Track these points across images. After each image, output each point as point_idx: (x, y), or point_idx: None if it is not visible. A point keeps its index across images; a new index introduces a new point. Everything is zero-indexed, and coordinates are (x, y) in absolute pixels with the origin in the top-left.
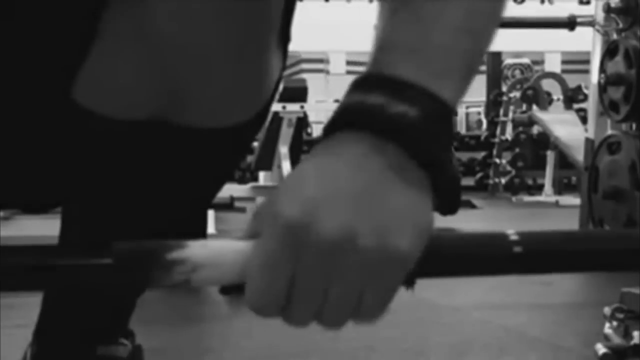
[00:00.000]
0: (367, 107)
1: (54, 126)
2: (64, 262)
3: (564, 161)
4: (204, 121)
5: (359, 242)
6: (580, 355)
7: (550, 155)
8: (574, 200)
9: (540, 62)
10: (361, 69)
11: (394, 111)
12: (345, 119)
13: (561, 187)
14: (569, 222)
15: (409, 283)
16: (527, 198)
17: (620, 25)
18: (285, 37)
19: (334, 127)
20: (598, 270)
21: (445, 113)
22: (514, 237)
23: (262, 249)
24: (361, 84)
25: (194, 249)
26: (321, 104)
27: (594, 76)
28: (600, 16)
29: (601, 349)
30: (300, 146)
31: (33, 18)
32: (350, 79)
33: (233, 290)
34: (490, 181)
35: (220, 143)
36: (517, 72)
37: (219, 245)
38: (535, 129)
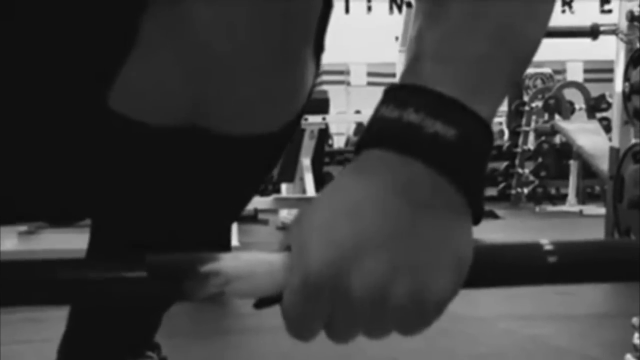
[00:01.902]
0: (401, 126)
1: (89, 134)
2: (97, 275)
3: (587, 171)
4: (236, 128)
5: (392, 300)
6: None
7: (574, 165)
8: (598, 210)
9: (562, 72)
10: (382, 80)
11: (431, 131)
12: (378, 137)
13: (585, 197)
14: (594, 232)
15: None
16: (551, 208)
17: None
18: (319, 46)
19: (367, 143)
20: (634, 280)
21: (484, 132)
22: (548, 247)
23: (293, 292)
24: (397, 96)
25: (228, 261)
26: (342, 116)
27: (618, 85)
28: (623, 24)
29: (630, 358)
30: (322, 158)
31: (72, 25)
32: (371, 90)
33: (266, 305)
34: (513, 191)
35: (252, 151)
36: (539, 82)
37: (252, 258)
38: (558, 139)
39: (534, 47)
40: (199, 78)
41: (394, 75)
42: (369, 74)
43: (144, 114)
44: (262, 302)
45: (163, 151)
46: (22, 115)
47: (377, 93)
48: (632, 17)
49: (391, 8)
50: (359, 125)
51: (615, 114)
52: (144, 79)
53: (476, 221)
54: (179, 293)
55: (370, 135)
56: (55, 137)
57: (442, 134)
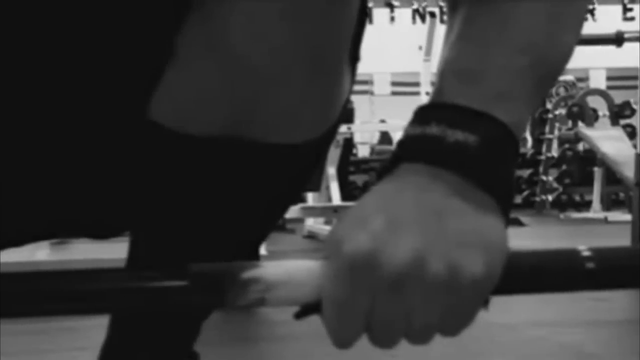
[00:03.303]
0: (425, 140)
1: (130, 146)
2: (140, 285)
3: (611, 177)
4: (275, 137)
5: (428, 269)
6: None
7: (598, 172)
8: (623, 216)
9: (585, 79)
10: (405, 89)
11: (452, 140)
12: (406, 152)
13: (609, 204)
14: (620, 238)
15: (484, 302)
16: (575, 215)
17: None
18: (355, 55)
19: (396, 160)
20: None
21: (506, 136)
22: (586, 253)
23: (331, 287)
24: (420, 115)
25: (268, 269)
26: (366, 125)
27: None
28: None
29: None
30: (347, 167)
31: (112, 39)
32: (395, 99)
33: (306, 314)
34: (537, 198)
35: (292, 159)
36: (562, 90)
37: (291, 265)
38: (582, 146)
39: (568, 54)
40: (238, 88)
41: (417, 84)
42: (393, 84)
43: (184, 124)
44: (302, 312)
45: (203, 161)
46: (66, 131)
47: (401, 102)
48: None
49: (414, 18)
50: (384, 134)
51: None
52: (183, 90)
53: (505, 212)
54: (220, 301)
55: (399, 153)
56: (96, 150)
57: (463, 141)
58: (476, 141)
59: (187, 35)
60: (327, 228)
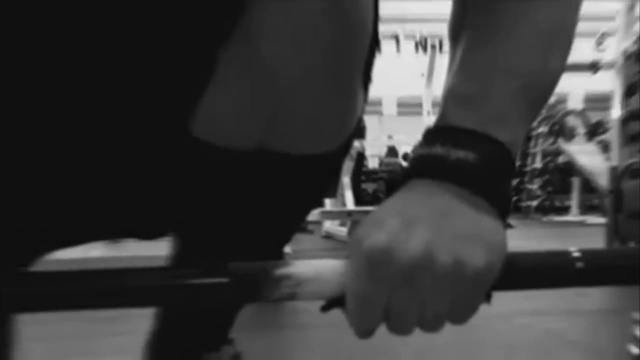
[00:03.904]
0: (430, 159)
1: (173, 158)
2: (186, 281)
3: (587, 186)
4: (301, 149)
5: (437, 262)
6: (616, 356)
7: (576, 181)
8: (598, 219)
9: (564, 101)
10: (410, 110)
11: (454, 158)
12: (415, 169)
13: (586, 209)
14: (595, 238)
15: (486, 297)
16: (556, 218)
17: (638, 69)
18: (367, 78)
19: (407, 175)
20: None
21: (502, 153)
22: (576, 254)
23: (352, 276)
24: (427, 137)
25: (298, 267)
26: (376, 141)
27: (617, 112)
28: (620, 60)
29: (634, 349)
30: (360, 176)
31: (157, 61)
32: (401, 119)
33: (330, 308)
34: (523, 204)
35: (311, 169)
36: (544, 110)
37: (319, 264)
38: (562, 159)
39: (555, 79)
40: (269, 105)
41: (420, 105)
42: (399, 105)
43: (221, 138)
44: (327, 306)
45: (238, 171)
46: (120, 145)
47: (406, 122)
48: (627, 55)
49: (417, 49)
50: (390, 148)
51: (614, 137)
52: (221, 108)
53: (503, 217)
54: (256, 296)
55: (409, 170)
56: (145, 162)
57: (464, 159)
58: (475, 158)
59: (224, 60)
60: (342, 229)
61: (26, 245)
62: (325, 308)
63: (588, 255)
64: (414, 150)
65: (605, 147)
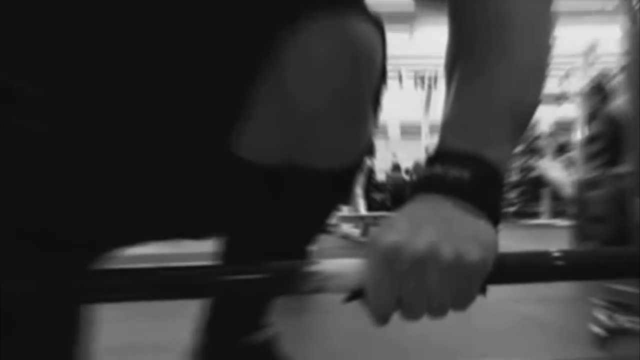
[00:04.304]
0: (432, 177)
1: (218, 173)
2: (236, 277)
3: (555, 195)
4: (321, 164)
5: (441, 256)
6: (580, 334)
7: (546, 191)
8: (564, 222)
9: (535, 125)
10: (411, 133)
11: (451, 176)
12: (420, 186)
13: (554, 214)
14: (562, 238)
15: (482, 289)
16: (530, 221)
17: (596, 101)
18: (376, 106)
19: (415, 191)
20: (619, 277)
21: (492, 170)
22: (557, 254)
23: (370, 269)
24: (430, 159)
25: (325, 265)
26: (383, 159)
27: (579, 135)
28: (581, 94)
29: (595, 328)
30: (370, 188)
31: (207, 95)
32: (403, 141)
33: (351, 300)
34: (502, 210)
35: (330, 181)
36: None
37: (342, 262)
38: (535, 173)
39: (533, 109)
40: (297, 129)
41: (419, 130)
42: (402, 129)
43: (257, 156)
44: (349, 298)
45: (270, 183)
46: (176, 163)
47: (407, 143)
48: (586, 90)
49: (415, 84)
50: (395, 165)
51: (578, 155)
52: (257, 132)
53: (495, 223)
54: (291, 289)
55: (416, 187)
56: (197, 176)
57: (460, 177)
58: (469, 175)
59: (260, 92)
60: (356, 231)
61: (103, 245)
62: (347, 300)
63: (566, 254)
64: (421, 171)
65: (569, 164)
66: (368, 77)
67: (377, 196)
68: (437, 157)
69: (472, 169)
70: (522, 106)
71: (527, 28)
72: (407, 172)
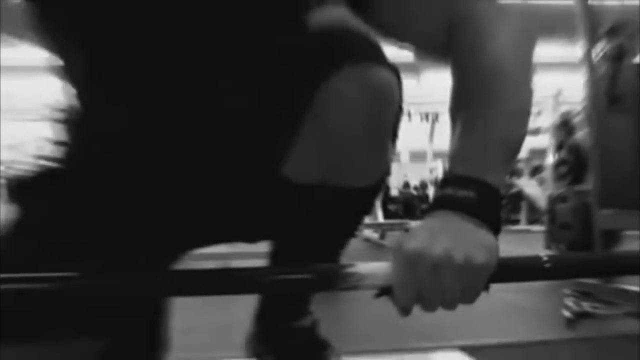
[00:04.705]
0: (444, 197)
1: (269, 190)
2: (284, 277)
3: (532, 207)
4: (351, 183)
5: (453, 260)
6: (552, 317)
7: (524, 204)
8: (539, 228)
9: None
10: (418, 158)
11: (460, 196)
12: (435, 205)
13: (530, 221)
14: (538, 242)
15: (486, 286)
16: (511, 227)
17: (563, 133)
18: (395, 135)
19: (430, 209)
20: (594, 277)
21: (493, 191)
22: (545, 258)
23: (396, 271)
24: (442, 183)
25: (359, 267)
26: (396, 179)
27: (550, 160)
28: (551, 128)
29: (565, 312)
30: (386, 200)
31: (267, 127)
32: (412, 165)
33: (381, 295)
34: None
35: (358, 196)
36: None
37: (374, 265)
38: (514, 189)
39: (521, 142)
40: (331, 156)
41: (425, 155)
42: (411, 156)
43: (300, 177)
44: (379, 294)
45: (309, 198)
46: (241, 185)
47: (415, 166)
48: (554, 125)
49: (421, 119)
50: (405, 183)
51: (549, 175)
52: (300, 158)
53: (496, 233)
54: (332, 286)
55: (432, 205)
56: (254, 194)
57: (466, 196)
58: (474, 196)
59: (304, 127)
60: (375, 235)
61: (183, 247)
62: (377, 295)
63: (552, 258)
64: (435, 192)
65: (542, 182)
66: (388, 113)
67: (392, 207)
68: (447, 181)
69: (476, 190)
70: (512, 141)
71: (514, 79)
72: (415, 188)
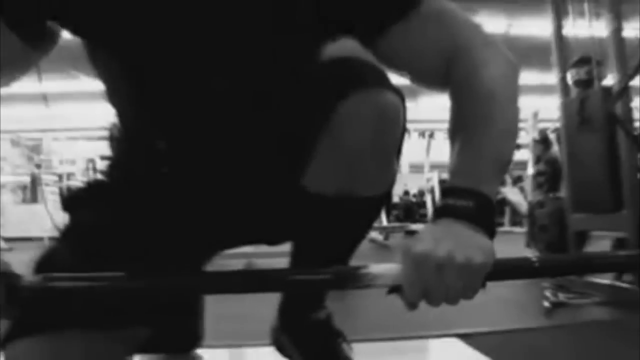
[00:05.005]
0: (446, 206)
1: (291, 199)
2: (309, 277)
3: (514, 211)
4: (362, 193)
5: (455, 260)
6: (533, 307)
7: (507, 209)
8: (520, 230)
9: None
10: (416, 169)
11: (460, 205)
12: (438, 213)
13: (513, 223)
14: (519, 242)
15: (483, 284)
16: (497, 229)
17: (541, 148)
18: (399, 152)
19: (435, 217)
20: (576, 274)
21: (487, 201)
22: (534, 259)
23: (405, 271)
24: (444, 194)
25: (372, 269)
26: (397, 187)
27: (530, 171)
28: (530, 144)
29: (545, 303)
30: (390, 208)
31: (284, 149)
32: (411, 175)
33: (392, 292)
34: None
35: (369, 204)
36: None
37: (385, 267)
38: (500, 196)
39: (511, 157)
40: (346, 169)
41: (422, 167)
42: (410, 167)
43: (317, 187)
44: (389, 291)
45: (327, 206)
46: (265, 193)
47: (414, 176)
48: (535, 141)
49: (419, 136)
50: (405, 191)
51: (529, 185)
52: (318, 171)
53: (491, 237)
54: (347, 285)
55: (436, 213)
56: (276, 203)
57: (466, 206)
58: (472, 205)
59: (321, 145)
60: (380, 236)
61: (215, 249)
62: (388, 293)
63: (540, 259)
64: (438, 202)
65: (522, 190)
66: (394, 131)
67: (394, 212)
68: (448, 193)
69: (473, 200)
70: (503, 156)
71: (503, 103)
72: (414, 195)
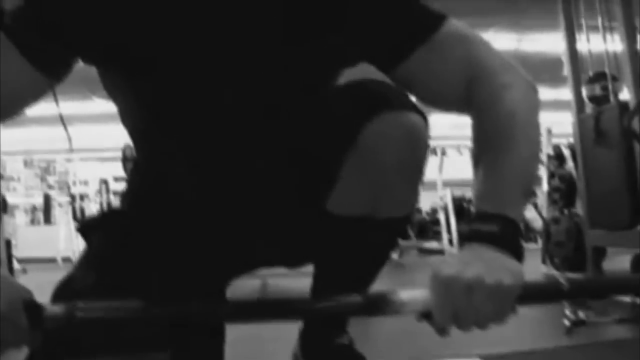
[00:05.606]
0: (473, 231)
1: (316, 223)
2: (338, 303)
3: (528, 227)
4: (385, 214)
5: (485, 282)
6: (553, 325)
7: (522, 225)
8: (535, 246)
9: None
10: (429, 186)
11: (486, 230)
12: (466, 238)
13: (528, 239)
14: (534, 259)
15: (512, 308)
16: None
17: (554, 165)
18: (422, 171)
19: (462, 241)
20: (603, 297)
21: (513, 224)
22: (562, 281)
23: (434, 295)
24: (471, 220)
25: (401, 294)
26: None
27: (545, 187)
28: (545, 161)
29: (565, 321)
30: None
31: (310, 174)
32: (424, 194)
33: (423, 318)
34: None
35: (393, 225)
36: None
37: (414, 292)
38: None
39: (534, 179)
40: (372, 190)
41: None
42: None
43: (343, 210)
44: (420, 317)
45: (351, 228)
46: (287, 218)
47: (427, 194)
48: (549, 157)
49: (431, 154)
50: (417, 209)
51: (544, 200)
52: (344, 194)
53: (519, 259)
54: (378, 312)
55: (463, 238)
56: (300, 225)
57: (491, 230)
58: (498, 229)
59: (346, 168)
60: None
61: (233, 273)
62: (418, 319)
63: (570, 280)
64: (465, 227)
65: (536, 206)
66: (421, 152)
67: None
68: (474, 218)
69: (499, 225)
70: (527, 179)
71: (526, 125)
72: (427, 213)
